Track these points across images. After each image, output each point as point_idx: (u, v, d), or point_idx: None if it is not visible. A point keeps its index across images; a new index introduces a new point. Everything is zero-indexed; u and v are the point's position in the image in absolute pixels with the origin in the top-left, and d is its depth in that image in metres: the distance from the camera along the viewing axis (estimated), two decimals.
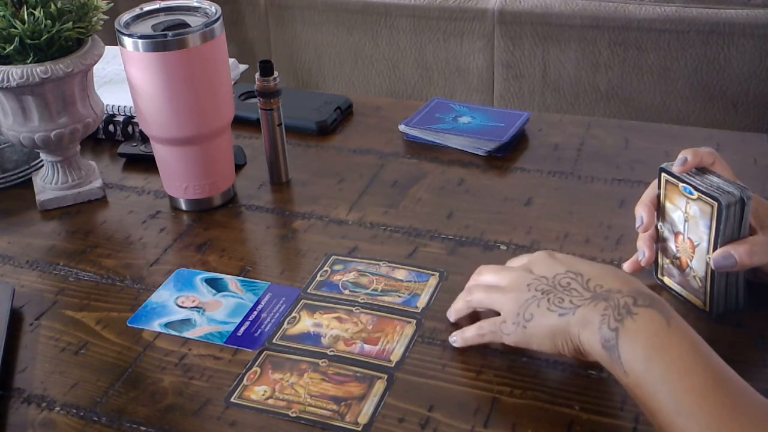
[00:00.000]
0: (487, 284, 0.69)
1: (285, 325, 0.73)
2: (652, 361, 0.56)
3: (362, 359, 0.69)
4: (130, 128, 1.07)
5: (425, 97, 1.83)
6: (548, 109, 1.75)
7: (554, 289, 0.63)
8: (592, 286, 0.62)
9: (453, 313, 0.72)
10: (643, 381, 0.56)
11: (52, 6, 0.84)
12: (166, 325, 0.75)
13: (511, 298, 0.65)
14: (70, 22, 0.85)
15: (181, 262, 0.83)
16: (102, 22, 0.90)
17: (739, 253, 0.66)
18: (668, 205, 0.71)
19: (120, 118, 1.07)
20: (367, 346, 0.70)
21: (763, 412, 0.53)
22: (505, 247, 0.82)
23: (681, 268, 0.72)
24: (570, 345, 0.61)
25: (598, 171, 0.94)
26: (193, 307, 0.77)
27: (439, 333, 0.71)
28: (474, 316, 0.71)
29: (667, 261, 0.73)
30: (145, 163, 1.00)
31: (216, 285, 0.80)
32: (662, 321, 0.57)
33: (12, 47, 0.83)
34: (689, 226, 0.69)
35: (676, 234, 0.71)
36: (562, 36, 1.67)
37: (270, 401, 0.65)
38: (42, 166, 0.96)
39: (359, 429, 0.62)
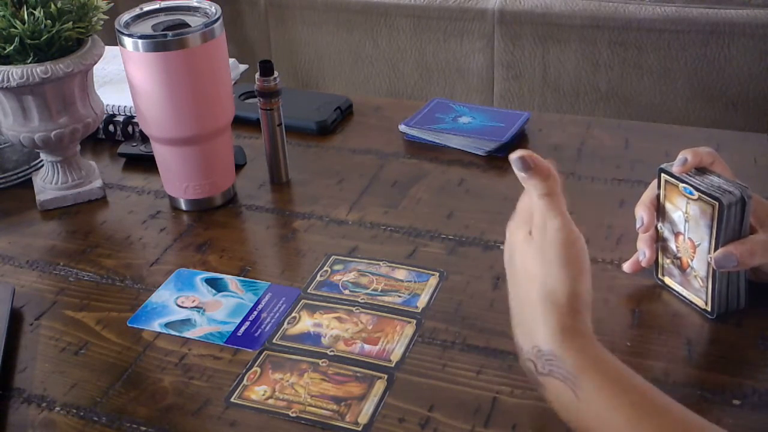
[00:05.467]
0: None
1: (285, 325, 0.73)
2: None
3: (362, 359, 0.69)
4: (130, 128, 1.06)
5: (425, 97, 1.83)
6: (548, 109, 1.75)
7: None
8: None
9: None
10: None
11: (52, 6, 0.84)
12: (166, 325, 0.75)
13: None
14: (70, 22, 0.85)
15: (181, 262, 0.83)
16: (102, 22, 0.90)
17: (740, 252, 0.66)
18: (668, 206, 0.71)
19: (120, 118, 1.07)
20: (367, 346, 0.70)
21: None
22: None
23: (682, 268, 0.72)
24: None
25: (598, 171, 0.94)
26: (193, 307, 0.77)
27: (439, 333, 0.71)
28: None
29: (668, 261, 0.73)
30: (145, 163, 1.00)
31: (216, 285, 0.80)
32: (568, 393, 0.54)
33: (12, 47, 0.83)
34: (690, 227, 0.69)
35: (677, 234, 0.71)
36: (562, 36, 1.67)
37: (270, 401, 0.65)
38: (42, 166, 0.96)
39: (359, 429, 0.62)
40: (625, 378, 0.54)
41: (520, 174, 0.59)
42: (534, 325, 0.57)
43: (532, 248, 0.59)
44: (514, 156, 0.58)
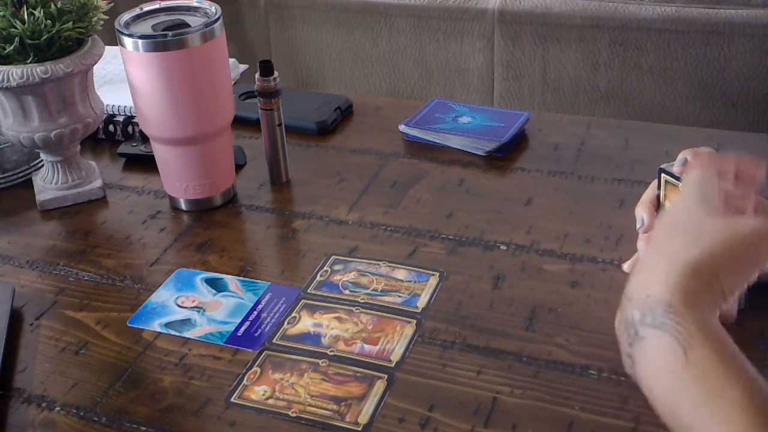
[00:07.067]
0: None
1: (285, 325, 0.73)
2: (672, 403, 0.48)
3: (362, 359, 0.69)
4: (130, 128, 1.06)
5: (425, 97, 1.83)
6: (548, 109, 1.75)
7: None
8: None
9: None
10: (668, 422, 0.49)
11: (52, 6, 0.84)
12: (166, 325, 0.75)
13: None
14: (70, 22, 0.85)
15: (181, 262, 0.83)
16: (102, 22, 0.90)
17: None
18: (668, 206, 0.71)
19: (120, 118, 1.07)
20: (367, 346, 0.70)
21: None
22: (505, 247, 0.82)
23: None
24: None
25: (598, 171, 0.94)
26: (193, 307, 0.77)
27: (439, 333, 0.71)
28: None
29: None
30: (145, 163, 1.00)
31: (216, 285, 0.80)
32: (677, 352, 0.48)
33: (12, 47, 0.83)
34: None
35: None
36: (562, 36, 1.67)
37: (270, 401, 0.65)
38: (42, 166, 0.96)
39: (359, 429, 0.62)
40: (743, 358, 0.49)
41: None
42: (662, 274, 0.52)
43: (710, 217, 0.54)
44: None
